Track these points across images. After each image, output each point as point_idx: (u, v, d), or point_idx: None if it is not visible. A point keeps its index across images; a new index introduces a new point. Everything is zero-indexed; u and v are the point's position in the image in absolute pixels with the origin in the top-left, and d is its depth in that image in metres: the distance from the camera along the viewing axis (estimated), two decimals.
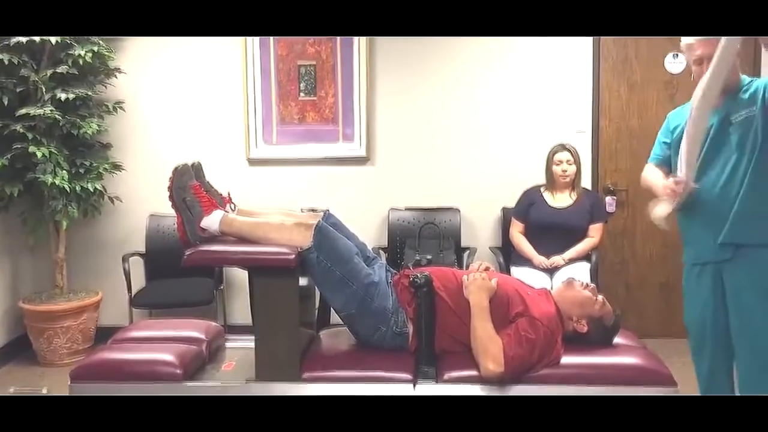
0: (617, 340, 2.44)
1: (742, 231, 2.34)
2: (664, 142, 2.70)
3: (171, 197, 2.44)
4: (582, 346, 2.36)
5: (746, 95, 2.42)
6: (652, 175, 2.69)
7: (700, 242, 2.49)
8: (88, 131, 4.17)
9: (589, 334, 2.38)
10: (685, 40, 2.52)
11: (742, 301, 2.37)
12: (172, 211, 2.51)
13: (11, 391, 3.71)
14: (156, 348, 2.47)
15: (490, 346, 2.22)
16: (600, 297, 2.41)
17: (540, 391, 2.21)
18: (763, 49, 4.47)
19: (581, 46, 4.46)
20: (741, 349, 2.40)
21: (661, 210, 2.46)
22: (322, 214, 2.51)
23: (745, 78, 2.50)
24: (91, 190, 4.22)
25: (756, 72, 4.33)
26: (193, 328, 2.69)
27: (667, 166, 2.64)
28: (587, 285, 2.46)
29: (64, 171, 4.08)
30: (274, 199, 4.49)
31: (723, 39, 2.21)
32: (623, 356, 2.32)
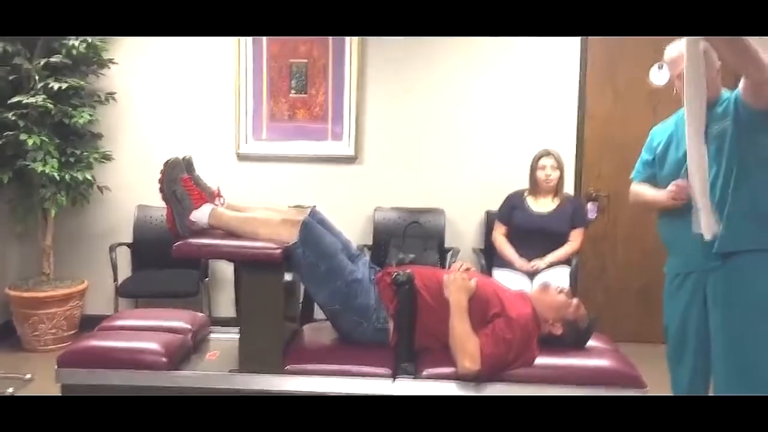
0: (591, 343, 2.51)
1: (733, 239, 2.38)
2: (648, 159, 2.76)
3: (162, 189, 2.50)
4: (556, 348, 2.43)
5: (720, 108, 2.48)
6: (644, 190, 2.74)
7: (687, 252, 2.53)
8: (79, 121, 4.21)
9: (563, 336, 2.45)
10: (669, 54, 2.58)
11: (724, 310, 2.42)
12: (160, 202, 2.56)
13: None
14: (142, 336, 2.52)
15: (468, 345, 2.29)
16: (574, 301, 2.49)
17: (514, 390, 2.28)
18: None
19: (568, 53, 4.55)
20: (719, 360, 2.44)
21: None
22: (308, 210, 2.57)
23: (725, 93, 2.56)
24: (81, 179, 4.26)
25: None
26: (179, 318, 2.74)
27: (651, 183, 2.71)
28: (562, 289, 2.53)
29: (54, 159, 4.12)
30: (262, 194, 4.55)
31: (684, 40, 2.29)
32: (595, 358, 2.40)
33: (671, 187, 2.54)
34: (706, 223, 2.32)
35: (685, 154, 2.46)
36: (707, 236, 2.33)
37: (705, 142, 2.41)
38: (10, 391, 3.57)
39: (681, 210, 2.51)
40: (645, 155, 2.79)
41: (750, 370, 2.33)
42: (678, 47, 2.55)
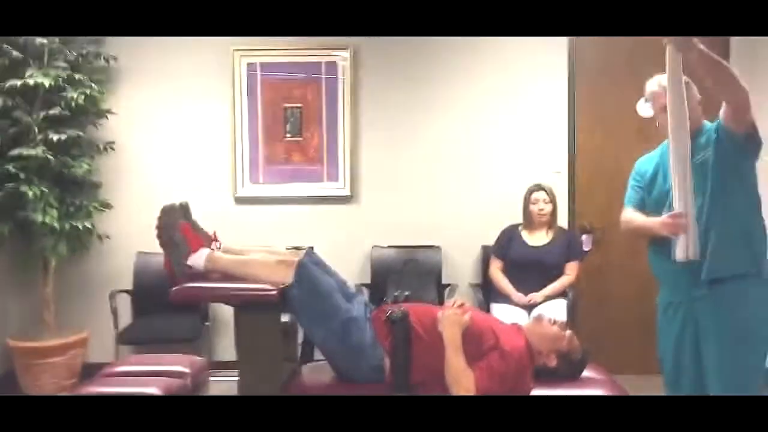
0: (585, 373, 2.54)
1: (719, 265, 2.43)
2: (637, 187, 2.80)
3: (159, 235, 2.55)
4: (551, 379, 2.46)
5: (703, 138, 2.55)
6: (635, 216, 2.77)
7: (676, 282, 2.58)
8: (78, 171, 4.30)
9: (557, 367, 2.48)
10: (650, 89, 2.65)
11: (714, 338, 2.45)
12: (159, 249, 2.62)
13: None
14: (141, 382, 2.55)
15: (462, 379, 2.32)
16: (568, 332, 2.52)
17: None
18: None
19: (557, 90, 4.66)
20: (713, 387, 2.47)
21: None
22: (304, 252, 2.62)
23: (707, 124, 2.63)
24: (80, 228, 4.32)
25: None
26: (177, 363, 2.79)
27: (643, 209, 2.74)
28: (556, 321, 2.57)
29: (54, 209, 4.19)
30: (260, 236, 4.58)
31: (666, 74, 2.38)
32: (588, 388, 2.42)
33: (667, 218, 2.53)
34: (684, 246, 2.37)
35: (671, 186, 2.53)
36: (680, 257, 2.39)
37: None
38: None
39: (668, 240, 2.55)
40: (633, 182, 2.83)
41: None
42: (658, 81, 2.62)
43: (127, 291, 4.61)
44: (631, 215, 2.81)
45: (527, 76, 4.67)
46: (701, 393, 2.54)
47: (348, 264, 4.36)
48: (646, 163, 2.81)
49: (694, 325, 2.52)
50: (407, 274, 4.46)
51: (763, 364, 2.50)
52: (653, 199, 2.71)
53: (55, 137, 4.14)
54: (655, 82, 2.63)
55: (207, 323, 4.58)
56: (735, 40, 4.60)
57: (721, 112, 2.47)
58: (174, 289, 2.47)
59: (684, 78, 2.45)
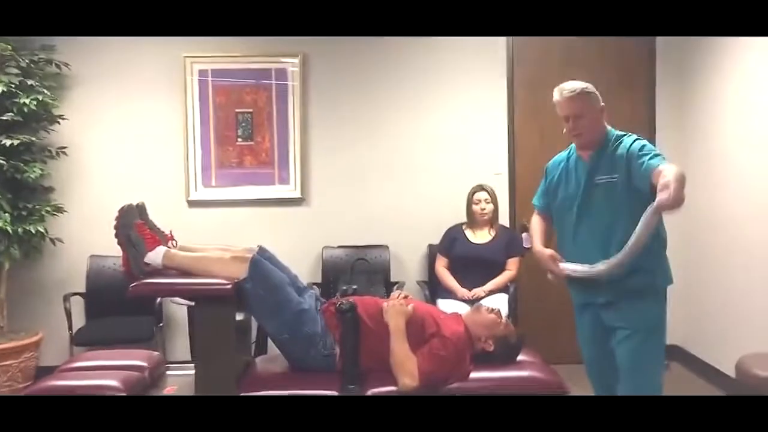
0: (520, 357, 2.75)
1: (618, 288, 2.58)
2: (544, 189, 2.92)
3: (117, 234, 2.66)
4: (489, 362, 2.65)
5: (611, 154, 2.62)
6: (535, 228, 2.93)
7: (580, 291, 2.77)
8: (31, 176, 4.34)
9: (495, 352, 2.68)
10: (555, 98, 2.72)
11: (618, 338, 2.62)
12: (112, 252, 2.73)
13: None
14: (100, 375, 2.66)
15: (407, 364, 2.50)
16: (504, 319, 2.73)
17: None
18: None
19: (497, 96, 4.90)
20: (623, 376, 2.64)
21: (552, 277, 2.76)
22: (256, 248, 2.76)
23: (613, 132, 2.70)
24: (33, 232, 4.36)
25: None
26: (135, 357, 2.89)
27: (548, 213, 2.89)
28: (493, 309, 2.77)
29: (7, 214, 4.23)
30: (214, 238, 4.63)
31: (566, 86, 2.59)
32: (523, 370, 2.63)
33: (550, 260, 2.73)
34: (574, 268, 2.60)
35: (573, 193, 2.69)
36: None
37: (585, 187, 2.64)
38: None
39: (570, 257, 2.72)
40: (542, 186, 2.95)
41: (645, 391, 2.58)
42: (559, 91, 2.70)
43: (80, 294, 4.66)
44: (534, 225, 2.96)
45: (468, 81, 4.90)
46: (614, 382, 2.69)
47: (300, 264, 4.49)
48: (554, 167, 2.89)
49: (602, 325, 2.68)
50: (357, 272, 4.61)
51: (662, 354, 2.70)
52: (558, 203, 2.81)
53: (7, 142, 4.19)
54: (557, 93, 2.70)
55: (160, 324, 4.67)
56: (661, 41, 4.92)
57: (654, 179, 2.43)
58: (132, 285, 2.58)
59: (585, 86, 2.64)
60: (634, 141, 2.62)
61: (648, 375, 2.62)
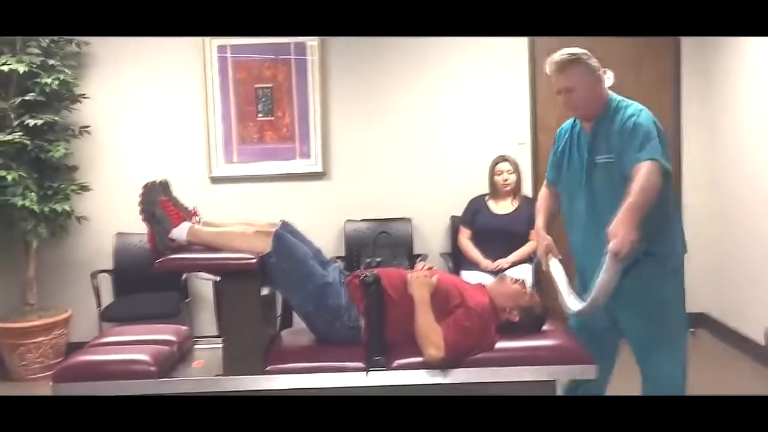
0: (545, 327, 2.73)
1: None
2: (553, 163, 2.84)
3: (142, 211, 2.67)
4: (514, 333, 2.65)
5: (609, 126, 2.52)
6: (540, 203, 2.90)
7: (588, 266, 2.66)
8: (55, 155, 4.39)
9: (520, 322, 2.67)
10: (547, 71, 2.63)
11: (625, 314, 2.62)
12: (138, 229, 2.74)
13: None
14: (131, 349, 2.68)
15: (432, 335, 2.50)
16: (528, 290, 2.71)
17: (477, 373, 2.50)
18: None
19: (519, 66, 4.84)
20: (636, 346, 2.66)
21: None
22: (280, 222, 2.77)
23: (614, 99, 2.57)
24: (59, 210, 4.42)
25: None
26: (164, 332, 2.91)
27: (557, 184, 2.82)
28: (517, 280, 2.76)
29: (33, 193, 4.28)
30: (236, 215, 4.69)
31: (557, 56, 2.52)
32: (548, 340, 2.61)
33: (544, 247, 2.78)
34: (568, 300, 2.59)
35: (577, 174, 2.63)
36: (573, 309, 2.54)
37: (587, 164, 2.58)
38: None
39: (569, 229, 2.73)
40: (551, 157, 2.87)
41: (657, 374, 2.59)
42: (547, 65, 2.62)
43: (107, 271, 4.72)
44: (539, 200, 2.91)
45: (491, 51, 4.84)
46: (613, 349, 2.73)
47: (322, 238, 4.45)
48: (560, 136, 2.82)
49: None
50: (379, 246, 4.62)
51: (679, 329, 2.66)
52: (564, 182, 2.75)
53: (31, 122, 4.23)
54: (546, 65, 2.62)
55: (187, 300, 4.72)
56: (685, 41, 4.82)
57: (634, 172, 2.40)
58: (158, 261, 2.60)
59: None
60: (629, 117, 2.50)
61: (665, 354, 2.58)
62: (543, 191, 2.95)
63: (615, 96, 2.62)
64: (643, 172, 2.37)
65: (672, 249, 2.61)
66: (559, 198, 2.84)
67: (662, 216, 2.52)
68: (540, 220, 2.88)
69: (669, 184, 2.54)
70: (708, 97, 4.80)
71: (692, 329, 4.78)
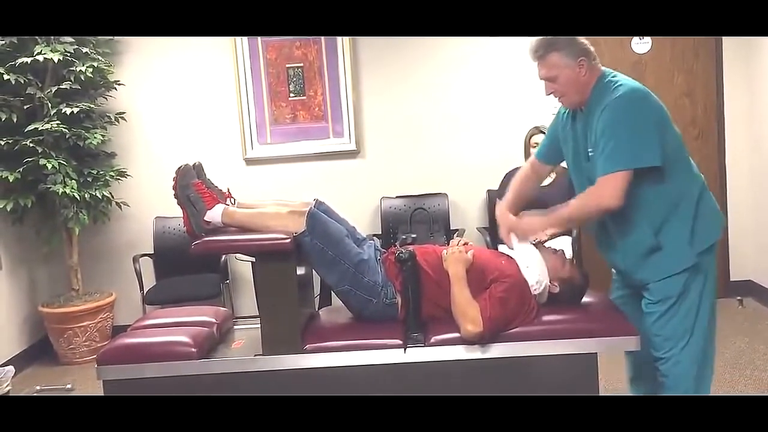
0: (586, 299, 2.69)
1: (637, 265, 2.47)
2: (550, 135, 2.75)
3: (176, 195, 2.69)
4: (554, 305, 2.61)
5: (594, 109, 2.35)
6: (514, 181, 2.85)
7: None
8: (93, 142, 4.45)
9: (560, 294, 2.63)
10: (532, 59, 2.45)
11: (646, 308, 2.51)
12: (176, 213, 2.75)
13: (36, 389, 4.00)
14: (172, 332, 2.72)
15: (469, 310, 2.47)
16: (568, 260, 2.66)
17: (516, 347, 2.47)
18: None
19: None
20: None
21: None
22: (313, 201, 2.76)
23: (605, 79, 2.36)
24: (99, 197, 4.50)
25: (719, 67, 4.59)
26: (204, 314, 2.94)
27: (546, 163, 2.78)
28: (556, 250, 2.71)
29: (73, 180, 4.35)
30: (271, 195, 4.72)
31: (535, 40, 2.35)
32: (590, 312, 2.57)
33: (507, 239, 2.72)
34: None
35: (573, 163, 2.57)
36: None
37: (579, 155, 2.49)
38: None
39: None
40: (549, 130, 2.77)
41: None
42: (528, 50, 2.45)
43: (148, 255, 4.80)
44: (516, 176, 2.86)
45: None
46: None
47: (359, 216, 4.51)
48: (558, 115, 2.69)
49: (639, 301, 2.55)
50: (416, 222, 4.61)
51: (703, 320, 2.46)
52: (569, 164, 2.66)
53: (67, 110, 4.28)
54: (531, 55, 2.45)
55: (227, 281, 4.77)
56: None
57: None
58: (195, 243, 2.62)
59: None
60: (604, 109, 2.30)
61: (688, 344, 2.42)
62: (523, 169, 2.85)
63: (607, 76, 2.39)
64: (590, 191, 2.36)
65: (680, 244, 2.39)
66: (540, 178, 2.79)
67: (668, 210, 2.38)
68: (504, 201, 2.79)
69: (662, 176, 2.34)
70: (750, 59, 4.63)
71: (739, 297, 4.67)
